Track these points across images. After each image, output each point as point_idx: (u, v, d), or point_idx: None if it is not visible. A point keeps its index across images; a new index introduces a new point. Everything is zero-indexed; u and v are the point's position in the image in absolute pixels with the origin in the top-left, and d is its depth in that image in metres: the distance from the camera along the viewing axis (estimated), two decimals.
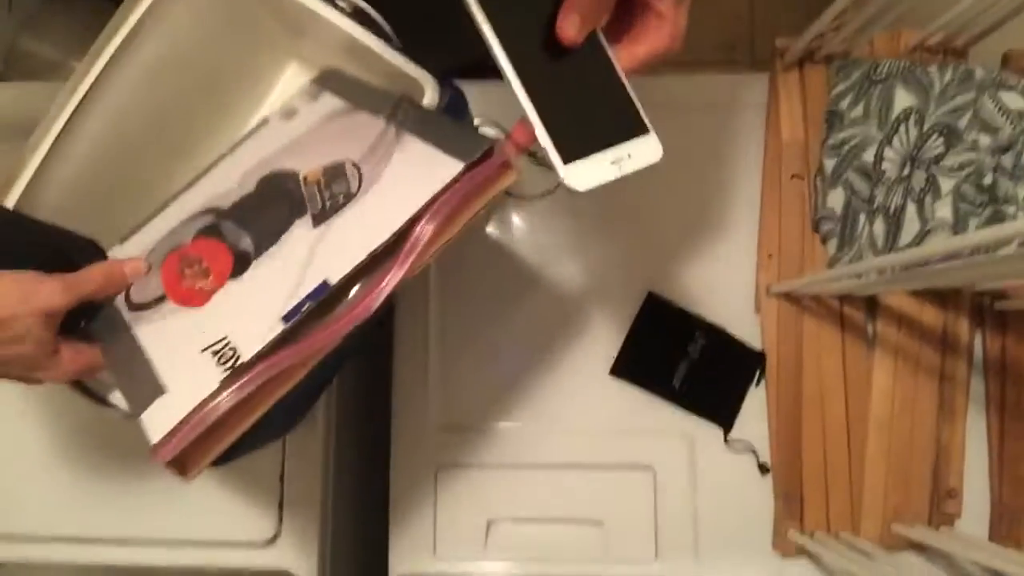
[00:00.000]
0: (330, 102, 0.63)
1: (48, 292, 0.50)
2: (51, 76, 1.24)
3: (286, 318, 0.47)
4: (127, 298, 0.56)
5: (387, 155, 0.53)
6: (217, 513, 0.77)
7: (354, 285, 0.48)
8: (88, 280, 0.54)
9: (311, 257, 0.51)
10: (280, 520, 0.78)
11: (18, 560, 0.78)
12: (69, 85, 0.60)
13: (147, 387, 0.49)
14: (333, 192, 0.53)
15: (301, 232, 0.53)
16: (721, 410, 0.77)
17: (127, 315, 0.55)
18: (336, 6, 0.58)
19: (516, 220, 0.81)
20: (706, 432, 0.77)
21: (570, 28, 0.42)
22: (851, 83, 0.77)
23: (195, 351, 0.49)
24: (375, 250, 0.47)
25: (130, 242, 0.63)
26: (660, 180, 0.80)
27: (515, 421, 0.78)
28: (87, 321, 0.56)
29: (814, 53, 0.79)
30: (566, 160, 0.43)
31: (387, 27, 0.62)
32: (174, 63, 0.66)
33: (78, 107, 0.60)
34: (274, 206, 0.56)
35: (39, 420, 0.79)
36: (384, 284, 0.47)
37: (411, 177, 0.50)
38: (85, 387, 0.57)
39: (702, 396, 0.77)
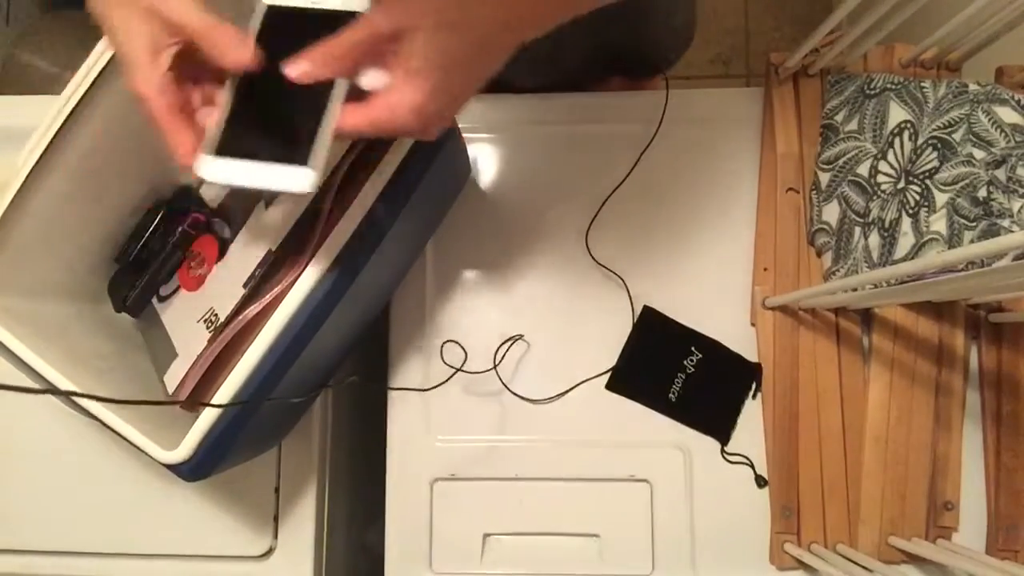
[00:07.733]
0: None
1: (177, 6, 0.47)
2: (48, 88, 1.24)
3: (245, 284, 0.62)
4: (157, 292, 0.71)
5: None
6: (212, 527, 0.77)
7: (292, 243, 0.62)
8: (215, 33, 0.47)
9: (263, 232, 0.64)
10: (275, 534, 0.77)
11: (12, 573, 0.78)
12: (63, 97, 0.60)
13: (167, 356, 0.65)
14: None
15: (259, 214, 0.66)
16: (718, 423, 0.77)
17: (157, 305, 0.71)
18: None
19: (513, 232, 0.81)
20: (703, 445, 0.77)
21: (294, 71, 0.45)
22: (845, 97, 0.78)
23: (193, 322, 0.65)
24: (298, 220, 0.61)
25: None
26: (656, 194, 0.80)
27: (511, 434, 0.78)
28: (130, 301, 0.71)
29: (808, 67, 0.79)
30: (213, 152, 0.46)
31: None
32: None
33: (69, 117, 0.60)
34: (242, 199, 0.69)
35: (33, 435, 0.79)
36: (311, 246, 0.59)
37: None
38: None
39: (699, 409, 0.77)
